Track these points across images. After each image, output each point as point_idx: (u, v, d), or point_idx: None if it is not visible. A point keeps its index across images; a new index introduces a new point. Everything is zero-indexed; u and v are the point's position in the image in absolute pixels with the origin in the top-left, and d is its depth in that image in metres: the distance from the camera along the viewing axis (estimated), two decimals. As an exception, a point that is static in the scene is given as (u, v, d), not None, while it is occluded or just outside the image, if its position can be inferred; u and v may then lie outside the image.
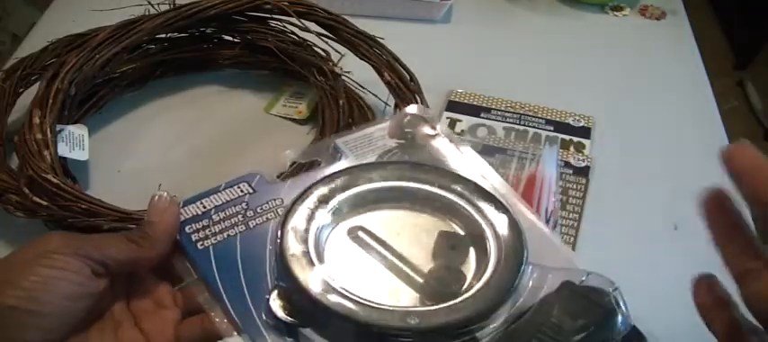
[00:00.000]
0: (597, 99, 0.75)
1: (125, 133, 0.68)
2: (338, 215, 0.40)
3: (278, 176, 0.43)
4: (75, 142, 0.60)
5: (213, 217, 0.39)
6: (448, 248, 0.38)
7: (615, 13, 0.91)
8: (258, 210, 0.40)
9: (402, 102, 0.62)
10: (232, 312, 0.36)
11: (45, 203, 0.51)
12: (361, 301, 0.35)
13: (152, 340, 0.37)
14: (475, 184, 0.41)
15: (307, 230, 0.38)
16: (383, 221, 0.40)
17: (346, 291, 0.36)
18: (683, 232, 0.62)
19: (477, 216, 0.39)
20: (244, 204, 0.40)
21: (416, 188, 0.41)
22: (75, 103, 0.62)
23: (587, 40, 0.86)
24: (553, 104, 0.72)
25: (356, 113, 0.64)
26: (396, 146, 0.43)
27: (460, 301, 0.35)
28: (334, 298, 0.35)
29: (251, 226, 0.39)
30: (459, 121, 0.70)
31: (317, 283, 0.35)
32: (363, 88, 0.68)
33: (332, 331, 0.35)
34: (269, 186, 0.41)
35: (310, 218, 0.39)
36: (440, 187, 0.41)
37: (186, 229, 0.39)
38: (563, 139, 0.68)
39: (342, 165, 0.42)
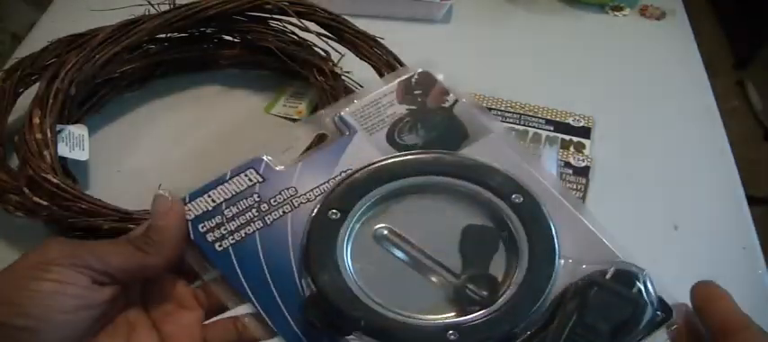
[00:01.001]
0: (597, 99, 0.75)
1: (125, 133, 0.68)
2: (361, 218, 0.38)
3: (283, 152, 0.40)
4: (75, 142, 0.60)
5: (225, 213, 0.37)
6: (475, 244, 0.36)
7: (615, 13, 0.91)
8: (272, 202, 0.37)
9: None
10: (265, 316, 0.35)
11: (45, 203, 0.51)
12: (396, 316, 0.34)
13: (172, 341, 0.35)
14: (503, 173, 0.38)
15: (330, 241, 0.36)
16: (407, 218, 0.38)
17: (379, 304, 0.34)
18: (683, 232, 0.62)
19: (506, 208, 0.37)
20: (255, 196, 0.37)
21: (441, 181, 0.38)
22: (75, 103, 0.62)
23: (587, 40, 0.86)
24: (553, 104, 0.72)
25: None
26: (407, 113, 0.40)
27: (498, 310, 0.34)
28: (367, 314, 0.34)
29: (268, 221, 0.37)
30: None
31: (349, 300, 0.34)
32: (363, 88, 0.68)
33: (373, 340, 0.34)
34: (278, 173, 0.38)
35: (331, 228, 0.36)
36: (465, 178, 0.38)
37: (200, 227, 0.37)
38: (563, 139, 0.68)
39: (353, 151, 0.39)
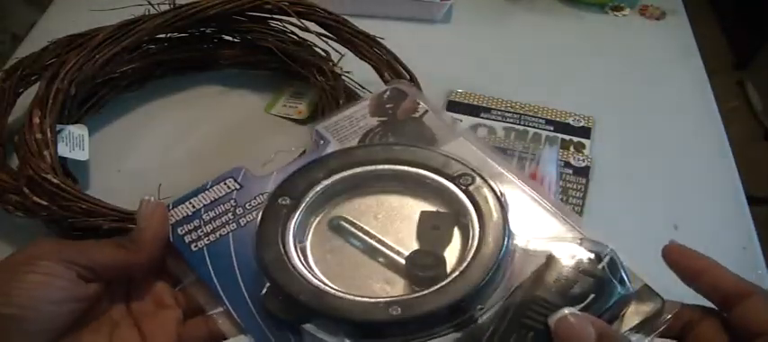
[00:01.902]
0: (597, 99, 0.75)
1: (125, 133, 0.68)
2: (316, 207, 0.39)
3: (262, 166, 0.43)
4: (75, 142, 0.60)
5: (203, 217, 0.39)
6: (431, 229, 0.38)
7: (615, 13, 0.91)
8: (247, 206, 0.40)
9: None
10: (233, 312, 0.36)
11: (45, 203, 0.51)
12: (342, 296, 0.35)
13: (152, 340, 0.37)
14: (454, 159, 0.39)
15: (284, 228, 0.38)
16: (363, 208, 0.39)
17: (330, 286, 0.35)
18: (683, 232, 0.62)
19: (457, 192, 0.38)
20: (232, 201, 0.40)
21: (393, 170, 0.40)
22: (75, 103, 0.62)
23: (587, 40, 0.86)
24: (553, 104, 0.72)
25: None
26: (377, 124, 0.42)
27: (441, 287, 0.34)
28: (314, 296, 0.35)
29: (242, 223, 0.39)
30: (460, 121, 0.70)
31: (299, 283, 0.35)
32: (363, 88, 0.68)
33: (328, 327, 0.34)
34: (255, 180, 0.41)
35: (286, 216, 0.38)
36: (416, 166, 0.39)
37: (179, 230, 0.39)
38: (563, 139, 0.68)
39: (323, 151, 0.42)
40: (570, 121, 0.71)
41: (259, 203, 0.39)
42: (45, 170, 0.52)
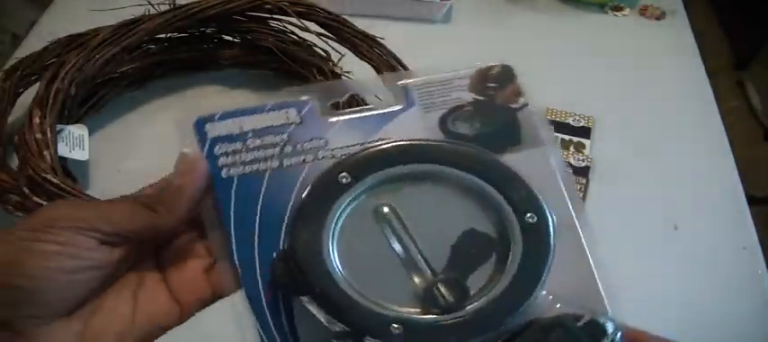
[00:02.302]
0: (597, 99, 0.75)
1: (125, 133, 0.68)
2: (369, 191, 0.35)
3: (331, 105, 0.37)
4: (75, 142, 0.60)
5: (248, 142, 0.35)
6: (469, 248, 0.35)
7: (615, 13, 0.91)
8: (298, 147, 0.35)
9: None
10: (235, 258, 0.33)
11: (45, 203, 0.51)
12: (349, 293, 0.33)
13: (179, 295, 0.34)
14: (524, 184, 0.35)
15: (328, 202, 0.34)
16: (415, 204, 0.35)
17: (344, 279, 0.33)
18: (683, 232, 0.62)
19: (514, 224, 0.35)
20: (284, 135, 0.35)
21: (463, 177, 0.36)
22: (75, 103, 0.62)
23: (587, 40, 0.86)
24: (553, 104, 0.72)
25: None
26: (469, 103, 0.37)
27: (453, 320, 0.33)
28: (325, 284, 0.33)
29: (284, 164, 0.35)
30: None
31: (316, 263, 0.33)
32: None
33: (326, 312, 0.33)
34: (317, 121, 0.36)
35: (336, 190, 0.34)
36: (488, 180, 0.35)
37: (216, 148, 0.35)
38: (563, 139, 0.68)
39: (399, 123, 0.37)
40: (570, 121, 0.71)
41: (310, 148, 0.35)
42: (45, 170, 0.52)
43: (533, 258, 0.34)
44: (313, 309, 0.33)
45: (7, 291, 0.29)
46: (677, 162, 0.69)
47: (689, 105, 0.76)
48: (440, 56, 0.80)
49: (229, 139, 0.35)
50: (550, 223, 0.35)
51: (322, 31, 0.66)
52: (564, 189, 0.36)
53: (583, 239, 0.35)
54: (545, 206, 0.35)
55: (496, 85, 0.38)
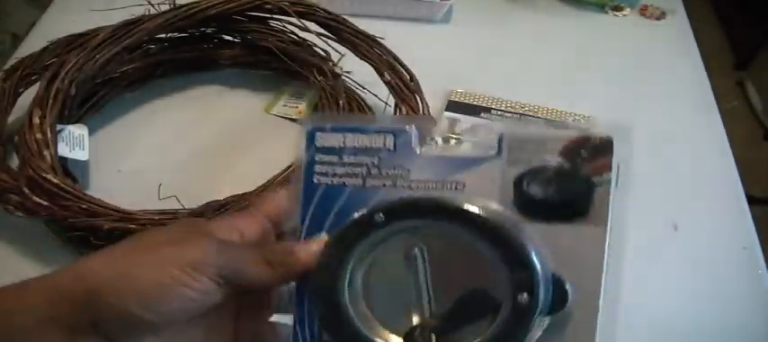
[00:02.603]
0: (597, 99, 0.75)
1: (125, 133, 0.68)
2: (405, 231, 0.37)
3: (430, 140, 0.40)
4: (75, 142, 0.60)
5: (344, 157, 0.38)
6: (469, 306, 0.37)
7: (615, 13, 0.91)
8: (383, 171, 0.38)
9: (402, 102, 0.62)
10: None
11: (45, 203, 0.51)
12: (349, 315, 0.36)
13: (240, 337, 0.37)
14: (531, 264, 0.36)
15: (359, 237, 0.37)
16: (444, 252, 0.37)
17: (351, 303, 0.36)
18: (683, 232, 0.62)
19: (508, 295, 0.36)
20: (376, 159, 0.38)
21: (484, 245, 0.37)
22: (75, 103, 0.62)
23: (587, 40, 0.86)
24: (553, 104, 0.72)
25: (356, 113, 0.65)
26: (553, 168, 0.37)
27: None
28: (326, 302, 0.35)
29: (366, 184, 0.37)
30: (459, 121, 0.70)
31: (331, 281, 0.36)
32: (363, 88, 0.68)
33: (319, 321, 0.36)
34: (408, 151, 0.38)
35: (368, 228, 0.37)
36: (502, 254, 0.36)
37: (317, 156, 0.38)
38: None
39: (479, 174, 0.38)
40: (570, 121, 0.71)
41: (391, 174, 0.37)
42: (45, 170, 0.52)
43: (507, 335, 0.35)
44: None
45: (135, 320, 0.31)
46: (677, 162, 0.69)
47: (689, 105, 0.76)
48: (440, 56, 0.80)
49: (330, 151, 0.38)
50: (537, 308, 0.35)
51: (322, 31, 0.66)
52: (603, 276, 0.36)
53: (597, 328, 0.36)
54: (540, 293, 0.35)
55: (588, 157, 0.38)
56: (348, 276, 0.36)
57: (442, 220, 0.37)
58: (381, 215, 0.37)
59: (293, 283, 0.36)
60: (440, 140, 0.40)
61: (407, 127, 0.38)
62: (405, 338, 0.36)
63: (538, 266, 0.35)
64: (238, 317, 0.37)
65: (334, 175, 0.38)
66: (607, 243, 0.36)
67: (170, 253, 0.32)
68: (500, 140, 0.37)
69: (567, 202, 0.37)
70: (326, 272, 0.36)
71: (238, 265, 0.33)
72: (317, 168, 0.38)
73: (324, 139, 0.38)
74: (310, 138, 0.38)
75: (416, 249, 0.37)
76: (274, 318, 0.37)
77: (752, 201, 0.66)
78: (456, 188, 0.37)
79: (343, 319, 0.36)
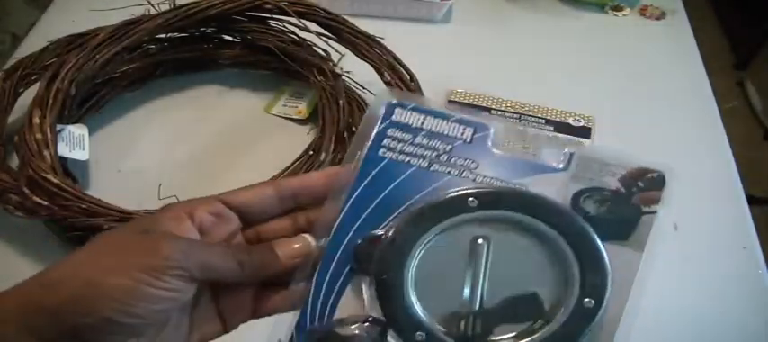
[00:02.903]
0: (597, 99, 0.75)
1: (125, 133, 0.68)
2: (479, 220, 0.38)
3: (507, 141, 0.41)
4: (75, 142, 0.60)
5: (418, 138, 0.39)
6: (518, 307, 0.38)
7: (615, 13, 0.91)
8: (452, 160, 0.39)
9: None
10: (333, 232, 0.37)
11: (45, 203, 0.51)
12: (406, 292, 0.36)
13: (226, 314, 0.37)
14: (606, 273, 0.38)
15: (443, 215, 0.37)
16: (508, 246, 0.39)
17: (412, 277, 0.37)
18: (683, 232, 0.62)
19: (574, 298, 0.37)
20: (449, 147, 0.39)
21: (560, 243, 0.38)
22: (75, 103, 0.62)
23: (587, 40, 0.86)
24: (553, 104, 0.72)
25: (356, 113, 0.65)
26: (610, 190, 0.40)
27: None
28: (394, 274, 0.36)
29: (431, 167, 0.38)
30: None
31: (397, 257, 0.36)
32: (363, 88, 0.68)
33: (376, 296, 0.36)
34: (483, 147, 0.39)
35: (458, 208, 0.38)
36: (578, 256, 0.38)
37: (389, 130, 0.38)
38: (563, 140, 0.68)
39: (543, 181, 0.40)
40: (570, 120, 0.71)
41: (458, 164, 0.39)
42: (45, 170, 0.52)
43: (564, 337, 0.37)
44: (365, 289, 0.36)
45: (112, 325, 0.31)
46: (677, 162, 0.68)
47: (689, 105, 0.76)
48: (440, 56, 0.80)
49: (405, 128, 0.39)
50: (599, 313, 0.37)
51: (322, 31, 0.66)
52: (628, 299, 0.39)
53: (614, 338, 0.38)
54: (606, 298, 0.37)
55: (642, 187, 0.41)
56: (415, 254, 0.37)
57: (536, 215, 0.38)
58: (475, 200, 0.38)
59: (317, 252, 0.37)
60: (511, 144, 0.41)
61: (489, 124, 0.39)
62: (452, 324, 0.37)
63: (610, 275, 0.38)
64: (216, 294, 0.37)
65: (402, 152, 0.38)
66: (640, 269, 0.39)
67: (132, 257, 0.32)
68: (570, 157, 0.40)
69: (615, 223, 0.39)
70: (401, 246, 0.37)
71: (206, 263, 0.34)
72: (386, 142, 0.38)
73: (402, 116, 0.39)
74: (389, 110, 0.39)
75: (482, 240, 0.38)
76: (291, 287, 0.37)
77: (752, 201, 0.66)
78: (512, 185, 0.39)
79: (403, 297, 0.37)
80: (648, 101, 0.76)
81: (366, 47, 0.64)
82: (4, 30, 1.60)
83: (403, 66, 0.64)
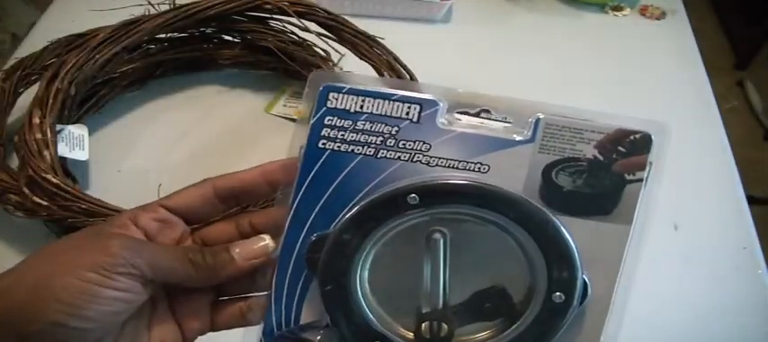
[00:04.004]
0: (597, 99, 0.75)
1: (125, 133, 0.68)
2: (431, 215, 0.35)
3: (458, 112, 0.37)
4: (75, 142, 0.60)
5: (359, 123, 0.35)
6: (486, 303, 0.35)
7: (615, 13, 0.91)
8: (400, 144, 0.35)
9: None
10: (284, 234, 0.34)
11: (45, 203, 0.51)
12: (357, 299, 0.34)
13: (183, 323, 0.36)
14: (574, 266, 0.34)
15: (386, 214, 0.34)
16: (468, 240, 0.35)
17: (363, 284, 0.34)
18: (683, 232, 0.62)
19: (543, 294, 0.34)
20: (395, 128, 0.35)
21: (521, 234, 0.35)
22: (75, 103, 0.62)
23: (587, 40, 0.86)
24: (553, 105, 0.72)
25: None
26: (586, 160, 0.35)
27: None
28: (341, 282, 0.34)
29: (378, 154, 0.34)
30: (459, 120, 0.70)
31: (345, 262, 0.34)
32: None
33: (325, 307, 0.35)
34: (433, 125, 0.35)
35: (399, 208, 0.34)
36: (542, 247, 0.34)
37: (326, 118, 0.35)
38: (563, 139, 0.68)
39: (508, 156, 0.35)
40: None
41: (410, 148, 0.34)
42: (45, 170, 0.52)
43: (535, 335, 0.34)
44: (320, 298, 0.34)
45: (62, 329, 0.30)
46: (677, 162, 0.68)
47: (689, 105, 0.76)
48: (440, 56, 0.80)
49: (343, 114, 0.35)
50: (571, 308, 0.34)
51: (322, 31, 0.66)
52: (619, 275, 0.35)
53: (606, 325, 0.35)
54: (577, 292, 0.34)
55: (624, 152, 0.36)
56: (363, 259, 0.35)
57: (488, 209, 0.34)
58: (415, 196, 0.34)
59: (276, 260, 0.35)
60: (466, 116, 0.37)
61: (437, 99, 0.35)
62: (413, 327, 0.34)
63: (579, 268, 0.34)
64: (173, 302, 0.36)
65: (344, 141, 0.34)
66: (629, 243, 0.35)
67: (81, 257, 0.31)
68: (535, 125, 0.35)
69: (595, 197, 0.35)
70: (342, 253, 0.34)
71: (157, 262, 0.33)
72: (325, 132, 0.35)
73: (338, 100, 0.35)
74: (322, 96, 0.35)
75: (438, 235, 0.35)
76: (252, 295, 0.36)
77: (752, 201, 0.66)
78: (479, 170, 0.35)
79: (352, 305, 0.34)
80: (648, 101, 0.76)
81: (366, 47, 0.64)
82: (4, 30, 1.60)
83: (403, 66, 0.64)
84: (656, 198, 0.35)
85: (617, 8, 0.91)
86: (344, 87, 0.35)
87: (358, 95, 0.35)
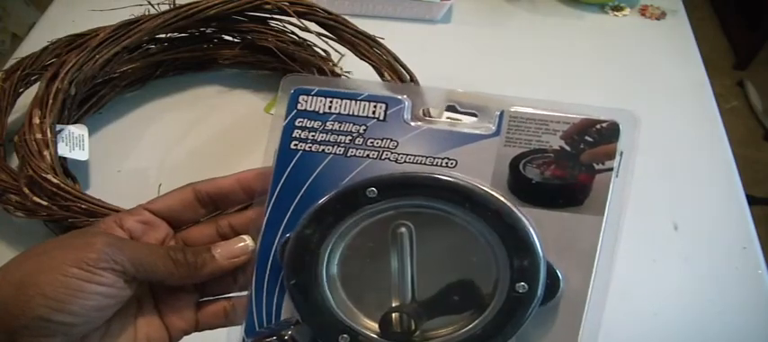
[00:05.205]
0: (597, 99, 0.75)
1: (125, 133, 0.68)
2: (396, 208, 0.35)
3: (422, 113, 0.38)
4: (75, 142, 0.60)
5: (328, 124, 0.36)
6: (455, 295, 0.35)
7: (615, 13, 0.91)
8: (368, 142, 0.36)
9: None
10: (261, 234, 0.35)
11: (45, 203, 0.51)
12: (325, 294, 0.35)
13: (169, 322, 0.37)
14: (535, 253, 0.34)
15: (346, 211, 0.35)
16: (434, 235, 0.36)
17: (329, 280, 0.35)
18: (683, 232, 0.62)
19: (506, 285, 0.34)
20: (362, 128, 0.36)
21: (484, 227, 0.35)
22: (75, 103, 0.62)
23: (587, 40, 0.86)
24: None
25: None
26: (553, 151, 0.35)
27: None
28: (308, 277, 0.35)
29: (348, 153, 0.36)
30: (459, 121, 0.70)
31: (309, 258, 0.35)
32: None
33: (294, 303, 0.35)
34: (399, 122, 0.36)
35: (358, 202, 0.35)
36: (503, 239, 0.34)
37: (297, 120, 0.36)
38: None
39: (473, 150, 0.36)
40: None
41: (378, 146, 0.36)
42: (45, 170, 0.52)
43: (499, 326, 0.34)
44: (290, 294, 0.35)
45: (47, 323, 0.31)
46: (677, 162, 0.69)
47: (689, 105, 0.76)
48: (440, 56, 0.80)
49: (313, 115, 0.36)
50: (535, 298, 0.34)
51: (322, 31, 0.66)
52: (595, 266, 0.34)
53: (584, 317, 0.34)
54: (540, 282, 0.34)
55: (592, 141, 0.36)
56: (327, 254, 0.35)
57: (443, 200, 0.35)
58: (374, 190, 0.35)
59: (254, 259, 0.36)
60: (434, 112, 0.38)
61: (402, 97, 0.36)
62: (382, 321, 0.34)
63: (541, 256, 0.34)
64: (158, 302, 0.37)
65: (314, 141, 0.36)
66: (602, 234, 0.34)
67: (65, 254, 0.32)
68: (499, 118, 0.36)
69: (565, 188, 0.35)
70: (305, 247, 0.35)
71: (140, 258, 0.34)
72: (296, 133, 0.36)
73: (308, 102, 0.36)
74: (293, 100, 0.36)
75: (403, 229, 0.35)
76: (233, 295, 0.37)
77: (752, 201, 0.66)
78: (447, 165, 0.35)
79: (318, 299, 0.35)
80: (648, 101, 0.76)
81: (366, 47, 0.64)
82: (4, 30, 1.60)
83: (403, 66, 0.64)
84: (631, 187, 0.34)
85: (617, 8, 0.91)
86: (313, 89, 0.36)
87: (326, 97, 0.36)
